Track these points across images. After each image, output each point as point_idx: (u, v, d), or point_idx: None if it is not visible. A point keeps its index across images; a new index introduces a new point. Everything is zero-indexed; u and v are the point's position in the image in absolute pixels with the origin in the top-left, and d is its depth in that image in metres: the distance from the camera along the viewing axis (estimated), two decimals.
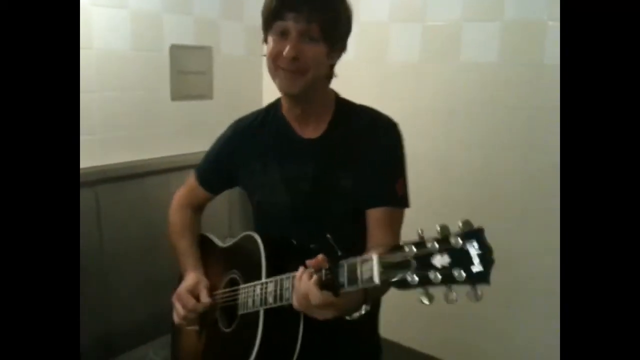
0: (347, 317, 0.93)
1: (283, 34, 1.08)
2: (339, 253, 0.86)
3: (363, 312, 0.93)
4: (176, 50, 2.09)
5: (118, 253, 1.97)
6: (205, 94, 2.27)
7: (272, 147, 1.23)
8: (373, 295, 0.97)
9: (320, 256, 0.90)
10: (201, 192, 1.40)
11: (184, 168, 2.22)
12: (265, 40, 1.14)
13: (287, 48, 1.06)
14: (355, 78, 2.11)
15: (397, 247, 0.74)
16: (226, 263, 1.30)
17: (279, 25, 1.08)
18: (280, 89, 1.15)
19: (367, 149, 1.14)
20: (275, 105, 1.28)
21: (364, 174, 1.13)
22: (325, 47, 1.09)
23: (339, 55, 1.16)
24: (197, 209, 1.44)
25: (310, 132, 1.20)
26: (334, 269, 0.86)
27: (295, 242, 1.16)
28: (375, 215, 1.13)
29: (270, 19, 1.09)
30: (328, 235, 0.89)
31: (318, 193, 1.16)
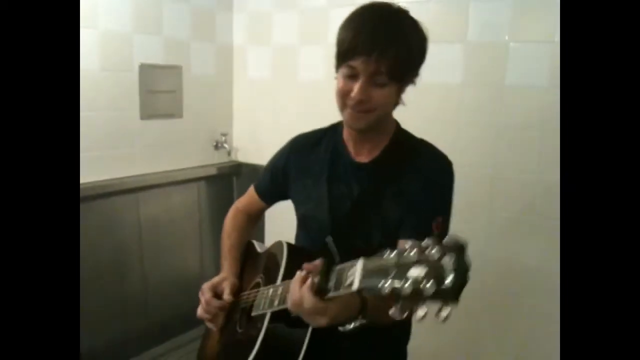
0: (340, 328, 0.91)
1: (352, 75, 1.07)
2: (337, 258, 0.87)
3: (357, 324, 0.90)
4: (146, 70, 2.10)
5: (87, 273, 1.95)
6: (174, 113, 2.28)
7: (325, 166, 1.25)
8: (372, 309, 0.93)
9: (317, 260, 0.91)
10: (257, 201, 1.45)
11: (153, 187, 2.23)
12: (336, 73, 1.13)
13: (355, 91, 1.06)
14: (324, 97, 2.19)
15: (382, 253, 0.74)
16: (257, 267, 1.33)
17: (348, 65, 1.07)
18: (346, 124, 1.17)
19: (415, 181, 1.13)
20: (336, 127, 1.30)
21: (405, 205, 1.12)
22: (395, 87, 1.08)
23: (412, 83, 1.15)
24: (252, 216, 1.49)
25: (364, 156, 1.21)
26: (327, 274, 0.86)
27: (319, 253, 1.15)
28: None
29: (341, 58, 1.09)
30: (328, 240, 0.89)
31: (358, 214, 1.17)
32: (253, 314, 1.16)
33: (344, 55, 1.07)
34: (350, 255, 0.93)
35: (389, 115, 1.19)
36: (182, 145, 2.35)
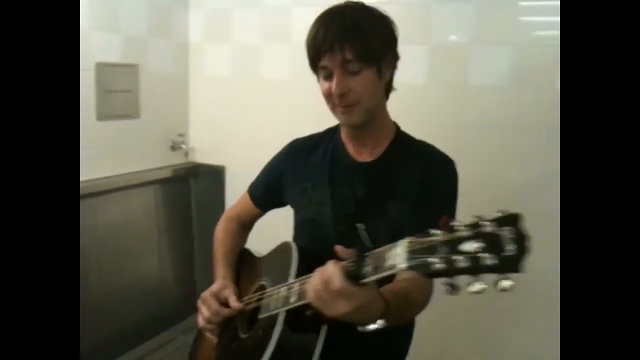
0: (360, 328, 0.88)
1: (328, 75, 1.10)
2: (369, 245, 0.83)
3: (378, 326, 0.88)
4: (102, 69, 2.00)
5: None
6: (131, 113, 2.19)
7: (325, 167, 1.24)
8: (394, 313, 0.91)
9: (350, 249, 0.88)
10: (251, 208, 1.41)
11: (111, 191, 2.13)
12: (318, 81, 1.17)
13: (333, 87, 1.09)
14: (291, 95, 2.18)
15: (426, 233, 0.72)
16: (258, 271, 1.28)
17: (321, 68, 1.11)
18: (341, 123, 1.19)
19: (419, 181, 1.13)
20: (333, 130, 1.29)
21: (410, 204, 1.12)
22: (372, 71, 1.09)
23: (393, 68, 1.17)
24: (245, 224, 1.45)
25: (366, 155, 1.20)
26: (360, 258, 0.83)
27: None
28: None
29: (313, 64, 1.12)
30: (358, 225, 0.84)
31: (363, 215, 1.14)
32: (261, 315, 1.11)
33: (313, 60, 1.11)
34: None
35: (381, 107, 1.20)
36: (139, 146, 2.26)
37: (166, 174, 2.39)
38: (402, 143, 1.21)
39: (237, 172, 2.37)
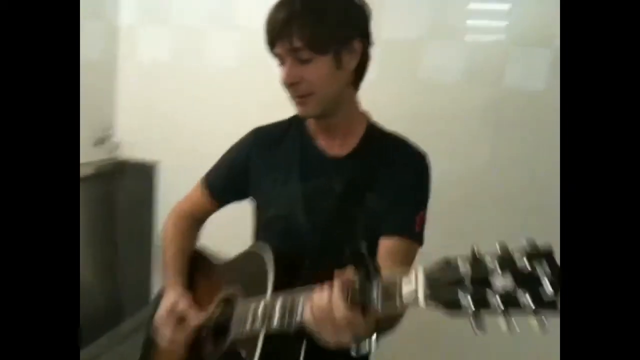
0: (354, 353, 0.78)
1: (282, 62, 1.04)
2: (372, 265, 0.72)
3: (373, 348, 0.79)
4: None
5: None
6: None
7: (295, 161, 1.14)
8: (384, 328, 0.87)
9: (349, 268, 0.77)
10: (207, 202, 1.26)
11: None
12: None
13: (283, 76, 1.03)
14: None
15: (447, 261, 0.64)
16: (222, 279, 1.14)
17: (275, 55, 1.05)
18: (298, 114, 1.11)
19: (395, 175, 1.08)
20: (300, 119, 1.17)
21: (387, 199, 1.05)
22: (327, 60, 1.01)
23: (360, 55, 1.06)
24: (198, 220, 1.30)
25: (337, 148, 1.12)
26: (365, 282, 0.73)
27: (306, 258, 1.04)
28: (387, 245, 1.04)
29: (270, 50, 1.05)
30: (361, 244, 0.74)
31: (341, 213, 1.07)
32: (234, 333, 0.98)
33: (269, 47, 1.04)
34: (334, 257, 0.82)
35: (347, 98, 1.11)
36: None
37: (87, 171, 2.11)
38: (375, 136, 1.14)
39: (173, 169, 2.17)
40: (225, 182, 1.25)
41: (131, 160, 2.26)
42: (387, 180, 1.08)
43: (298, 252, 1.05)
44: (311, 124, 1.16)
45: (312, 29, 0.98)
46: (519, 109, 1.71)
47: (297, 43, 0.98)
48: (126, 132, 2.26)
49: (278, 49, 1.02)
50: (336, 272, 0.79)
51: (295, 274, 0.99)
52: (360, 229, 1.06)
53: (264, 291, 0.95)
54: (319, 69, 1.01)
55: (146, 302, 2.21)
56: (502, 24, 1.69)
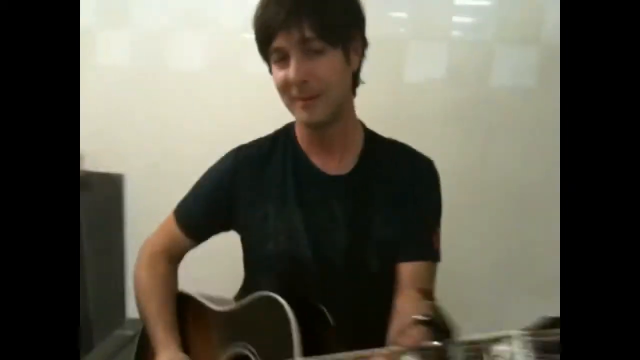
0: None
1: (283, 59, 0.90)
2: (446, 323, 0.61)
3: None
4: None
5: None
6: None
7: (290, 185, 0.99)
8: None
9: (416, 331, 0.65)
10: (181, 239, 1.09)
11: None
12: (271, 72, 0.95)
13: (291, 71, 0.88)
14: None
15: (550, 322, 0.58)
16: (226, 333, 0.97)
17: (274, 50, 0.90)
18: (302, 122, 0.97)
19: (406, 190, 0.98)
20: (285, 133, 1.05)
21: (401, 222, 0.96)
22: (338, 54, 0.90)
23: (360, 56, 0.96)
24: (174, 258, 1.11)
25: (336, 166, 0.99)
26: (445, 349, 0.61)
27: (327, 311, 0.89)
28: (409, 270, 0.96)
29: (263, 48, 0.92)
30: (434, 303, 0.62)
31: (355, 245, 0.94)
32: None
33: (264, 43, 0.91)
34: (345, 297, 0.71)
35: (349, 104, 1.00)
36: None
37: None
38: (376, 147, 1.04)
39: (140, 182, 2.02)
40: (202, 217, 1.08)
41: (94, 173, 2.09)
42: (397, 199, 0.98)
43: (313, 298, 0.91)
44: (303, 138, 1.02)
45: (327, 16, 0.87)
46: (506, 107, 1.68)
47: (309, 33, 0.86)
48: (88, 142, 2.10)
49: (281, 42, 0.88)
50: (401, 338, 0.67)
51: (320, 329, 0.85)
52: (372, 261, 0.95)
53: (289, 355, 0.80)
54: (331, 62, 0.90)
55: (120, 323, 2.07)
56: (487, 21, 1.65)
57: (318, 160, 1.01)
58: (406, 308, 0.88)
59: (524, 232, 1.74)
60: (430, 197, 1.02)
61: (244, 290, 1.07)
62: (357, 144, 1.02)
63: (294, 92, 0.90)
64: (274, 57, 0.92)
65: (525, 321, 1.98)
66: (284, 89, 0.92)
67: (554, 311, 1.12)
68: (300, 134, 1.02)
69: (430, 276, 0.99)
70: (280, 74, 0.91)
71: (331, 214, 0.97)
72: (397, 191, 0.98)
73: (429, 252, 0.99)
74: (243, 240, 1.06)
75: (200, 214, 1.08)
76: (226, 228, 1.08)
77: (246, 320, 0.97)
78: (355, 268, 0.96)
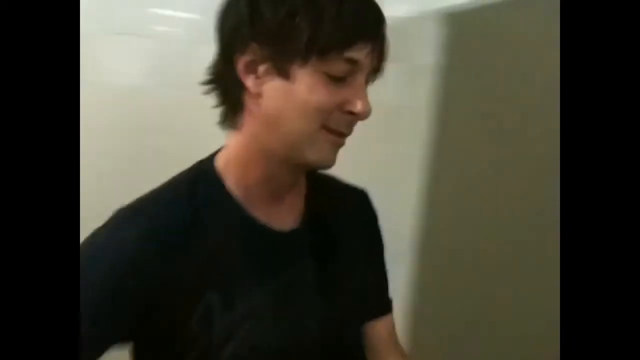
0: None
1: (342, 77, 0.65)
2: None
3: None
4: None
5: None
6: None
7: (242, 255, 0.71)
8: None
9: None
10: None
11: None
12: (286, 75, 0.65)
13: (362, 100, 0.66)
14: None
15: None
16: None
17: (345, 59, 0.64)
18: (319, 161, 0.70)
19: (359, 235, 0.83)
20: (203, 177, 0.73)
21: (362, 268, 0.82)
22: None
23: None
24: None
25: (284, 216, 0.75)
26: None
27: None
28: (386, 326, 0.86)
29: (331, 51, 0.63)
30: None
31: (329, 317, 0.75)
32: None
33: (336, 46, 0.63)
34: None
35: None
36: None
37: None
38: (316, 186, 0.82)
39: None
40: (105, 329, 0.66)
41: None
42: (354, 247, 0.82)
43: None
44: (247, 183, 0.72)
45: (386, 52, 0.70)
46: None
47: (378, 62, 0.68)
48: None
49: (359, 53, 0.65)
50: None
51: None
52: (347, 318, 0.80)
53: None
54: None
55: None
56: None
57: (263, 216, 0.73)
58: None
59: None
60: (377, 236, 0.89)
61: None
62: (302, 187, 0.80)
63: (343, 126, 0.68)
64: (337, 67, 0.65)
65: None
66: (326, 111, 0.66)
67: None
68: (242, 175, 0.72)
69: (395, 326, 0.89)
70: (332, 92, 0.65)
71: (298, 283, 0.74)
72: (354, 238, 0.83)
73: (390, 302, 0.90)
74: (178, 347, 0.69)
75: (105, 325, 0.65)
76: (140, 333, 0.69)
77: None
78: (333, 348, 0.76)
